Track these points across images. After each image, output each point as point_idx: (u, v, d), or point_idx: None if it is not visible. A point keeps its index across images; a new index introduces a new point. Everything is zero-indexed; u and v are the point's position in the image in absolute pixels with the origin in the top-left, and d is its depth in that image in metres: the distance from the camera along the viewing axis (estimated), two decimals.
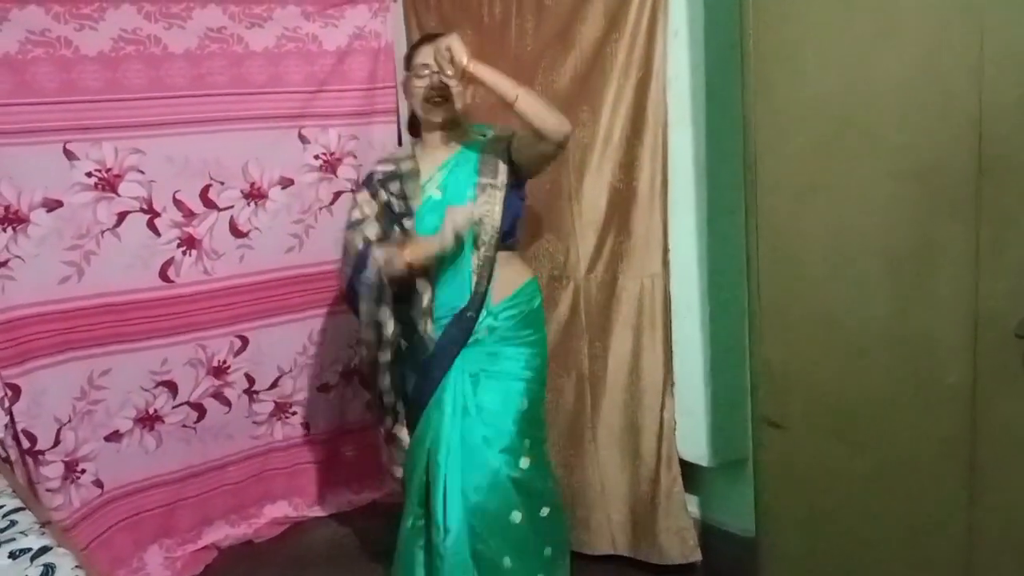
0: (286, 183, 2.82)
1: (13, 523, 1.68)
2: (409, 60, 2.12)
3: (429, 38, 2.08)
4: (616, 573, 2.44)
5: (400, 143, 2.87)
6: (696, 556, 2.34)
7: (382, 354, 2.11)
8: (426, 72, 2.02)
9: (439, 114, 2.05)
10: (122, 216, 2.54)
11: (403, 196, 2.08)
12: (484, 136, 2.11)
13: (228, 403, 2.82)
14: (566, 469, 2.46)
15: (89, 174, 2.47)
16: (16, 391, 2.35)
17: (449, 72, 1.88)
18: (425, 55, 2.03)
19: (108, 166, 2.49)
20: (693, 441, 2.30)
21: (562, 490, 2.31)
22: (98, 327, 2.52)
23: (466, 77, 1.88)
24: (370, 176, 2.16)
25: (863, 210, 1.50)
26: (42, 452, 2.41)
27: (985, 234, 1.36)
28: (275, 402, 2.93)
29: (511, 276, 2.11)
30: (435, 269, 2.04)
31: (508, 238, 2.09)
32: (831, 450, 1.62)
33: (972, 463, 1.45)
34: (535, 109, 1.88)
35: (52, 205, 2.41)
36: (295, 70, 2.80)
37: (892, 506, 1.56)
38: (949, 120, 1.37)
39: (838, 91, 1.50)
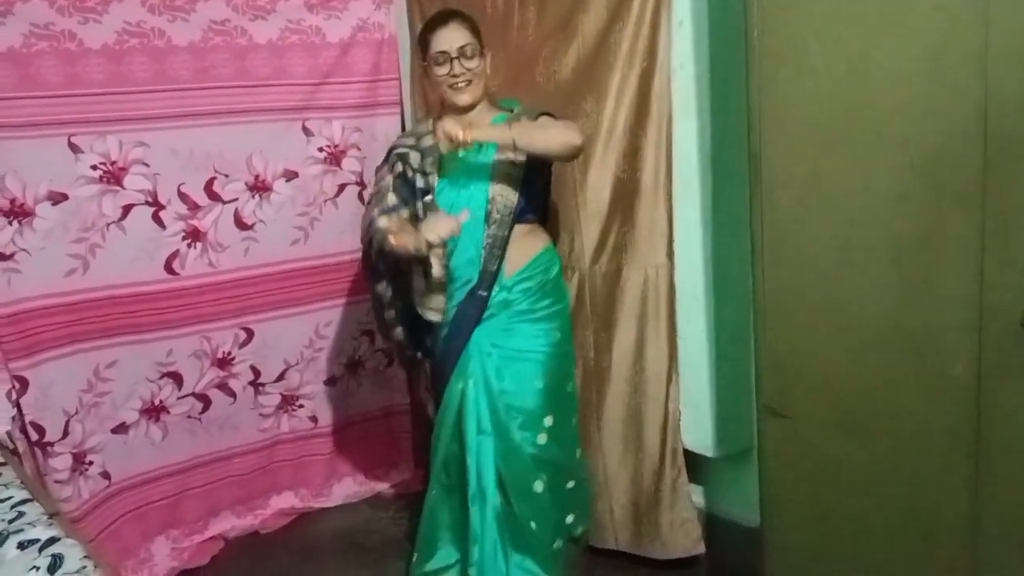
0: (290, 176, 2.82)
1: (21, 514, 1.69)
2: (425, 48, 2.11)
3: (440, 20, 2.09)
4: (619, 566, 2.44)
5: None
6: (699, 549, 2.34)
7: (387, 312, 2.22)
8: (444, 60, 2.05)
9: (465, 98, 2.09)
10: (127, 209, 2.54)
11: (423, 171, 2.12)
12: (511, 111, 2.14)
13: (233, 394, 2.83)
14: None
15: (94, 167, 2.47)
16: (24, 383, 2.37)
17: (456, 146, 1.93)
18: (440, 42, 2.05)
19: (113, 159, 2.50)
20: (698, 431, 2.30)
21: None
22: (104, 319, 2.53)
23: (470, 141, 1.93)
24: (391, 150, 2.21)
25: (868, 201, 1.50)
26: (51, 444, 2.42)
27: (991, 225, 1.36)
28: (282, 395, 2.94)
29: (524, 248, 2.13)
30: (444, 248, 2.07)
31: (525, 214, 2.11)
32: (836, 440, 1.62)
33: (977, 453, 1.45)
34: (536, 141, 1.97)
35: (57, 198, 2.42)
36: (299, 62, 2.79)
37: (897, 496, 1.57)
38: (955, 112, 1.37)
39: (843, 81, 1.49)
